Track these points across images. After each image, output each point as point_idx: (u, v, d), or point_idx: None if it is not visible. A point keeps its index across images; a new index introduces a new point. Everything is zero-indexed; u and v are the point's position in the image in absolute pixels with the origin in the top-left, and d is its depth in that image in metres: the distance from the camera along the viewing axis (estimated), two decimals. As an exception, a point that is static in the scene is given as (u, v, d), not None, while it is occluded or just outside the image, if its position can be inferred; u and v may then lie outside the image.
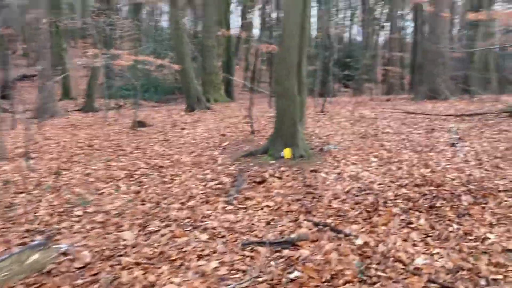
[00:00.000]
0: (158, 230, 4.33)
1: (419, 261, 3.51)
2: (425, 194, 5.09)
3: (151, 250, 3.86)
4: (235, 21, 37.22)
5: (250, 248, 3.83)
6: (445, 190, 5.18)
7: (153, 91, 28.27)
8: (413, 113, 11.26)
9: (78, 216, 4.77)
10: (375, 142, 8.01)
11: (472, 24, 20.37)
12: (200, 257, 3.73)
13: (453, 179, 5.59)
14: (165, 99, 28.79)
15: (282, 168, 6.27)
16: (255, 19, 32.77)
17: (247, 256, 3.68)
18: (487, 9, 22.56)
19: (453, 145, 7.59)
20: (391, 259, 3.55)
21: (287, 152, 6.82)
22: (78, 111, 21.30)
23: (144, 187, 5.77)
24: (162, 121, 12.63)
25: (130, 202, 5.16)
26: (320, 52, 24.57)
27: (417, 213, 4.56)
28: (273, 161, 6.71)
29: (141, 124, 11.40)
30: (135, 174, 6.36)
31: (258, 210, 4.83)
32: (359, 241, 3.88)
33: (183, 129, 10.53)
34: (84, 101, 21.96)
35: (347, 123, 10.09)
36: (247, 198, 5.19)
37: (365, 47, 32.34)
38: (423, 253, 3.68)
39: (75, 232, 4.32)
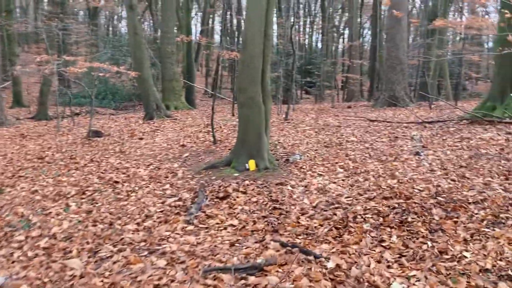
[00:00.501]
0: (111, 256, 3.90)
1: (396, 286, 3.25)
2: (394, 208, 4.88)
3: (101, 281, 3.43)
4: (197, 27, 36.78)
5: (212, 275, 3.47)
6: (414, 203, 4.98)
7: (111, 98, 27.45)
8: (375, 120, 11.20)
9: (19, 241, 4.27)
10: (340, 152, 7.81)
11: (428, 33, 20.82)
12: (157, 287, 3.34)
13: (422, 191, 5.42)
14: (123, 107, 27.99)
15: (247, 182, 5.94)
16: (216, 25, 32.46)
17: (209, 286, 3.32)
18: (442, 18, 23.16)
19: (417, 153, 7.48)
20: (366, 284, 3.28)
21: (251, 164, 6.50)
22: (30, 119, 20.32)
23: (97, 205, 5.30)
24: (119, 130, 12.06)
25: (80, 224, 4.69)
26: (282, 59, 24.55)
27: (389, 229, 4.33)
28: (236, 174, 6.37)
29: (97, 134, 10.82)
30: (87, 190, 5.87)
31: (221, 229, 4.48)
32: (330, 264, 3.59)
33: (141, 139, 10.04)
34: (37, 109, 21.01)
35: (312, 131, 9.88)
36: (209, 216, 4.82)
37: (325, 54, 32.64)
38: (399, 275, 3.43)
39: (14, 261, 3.83)
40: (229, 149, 8.13)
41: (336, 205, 5.05)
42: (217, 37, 39.37)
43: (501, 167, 6.31)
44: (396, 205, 4.93)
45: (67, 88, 25.92)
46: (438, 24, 15.94)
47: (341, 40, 40.22)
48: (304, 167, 6.74)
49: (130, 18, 14.08)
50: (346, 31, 42.27)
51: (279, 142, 8.66)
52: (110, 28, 46.46)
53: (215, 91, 9.22)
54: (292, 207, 5.04)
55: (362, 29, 31.75)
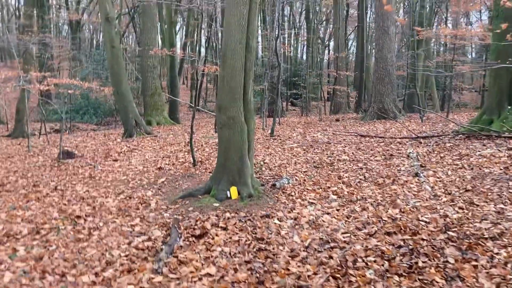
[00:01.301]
0: (54, 326, 3.07)
1: None
2: (400, 246, 4.13)
3: None
4: (183, 40, 36.10)
5: None
6: (422, 239, 4.23)
7: (93, 113, 26.56)
8: (367, 136, 10.50)
9: None
10: (332, 173, 7.07)
11: (414, 43, 20.36)
12: None
13: (428, 223, 4.67)
14: (105, 122, 27.06)
15: (228, 214, 5.14)
16: (202, 38, 31.79)
17: None
18: (427, 29, 22.77)
19: (416, 174, 6.76)
20: None
21: (233, 192, 5.71)
22: (6, 137, 19.33)
23: (51, 248, 4.45)
24: (95, 149, 11.19)
25: (24, 276, 3.84)
26: (267, 71, 23.91)
27: (397, 277, 3.57)
28: (216, 204, 5.57)
29: (69, 155, 9.95)
30: (42, 228, 5.00)
31: (196, 281, 3.67)
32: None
33: (115, 160, 9.19)
34: (13, 126, 20.05)
35: (300, 149, 9.13)
36: (182, 262, 4.01)
37: (311, 66, 32.10)
38: None
39: None
40: (210, 172, 7.34)
41: (332, 244, 4.27)
42: (203, 50, 38.70)
43: (511, 191, 5.62)
44: (402, 243, 4.18)
45: (47, 104, 25.00)
46: (424, 34, 15.51)
47: (326, 51, 39.83)
48: (292, 193, 5.97)
49: (106, 31, 13.27)
50: (331, 43, 42.10)
51: (264, 163, 7.89)
52: (94, 42, 45.57)
53: (194, 109, 8.19)
54: (281, 247, 4.25)
55: (346, 41, 31.27)
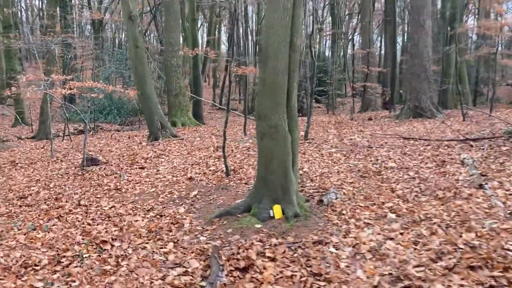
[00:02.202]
0: None
1: None
2: (492, 287, 3.37)
3: None
4: (203, 37, 35.55)
5: None
6: (517, 277, 3.46)
7: (116, 113, 26.15)
8: (410, 138, 9.64)
9: None
10: (382, 184, 6.29)
11: (447, 38, 19.36)
12: None
13: (516, 252, 3.89)
14: (129, 122, 26.65)
15: (274, 240, 4.42)
16: (223, 35, 31.15)
17: None
18: (460, 23, 21.65)
19: (480, 186, 5.94)
20: None
21: (277, 211, 5.00)
22: (31, 139, 19.05)
23: (73, 285, 3.80)
24: (120, 154, 10.61)
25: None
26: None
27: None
28: (259, 225, 4.86)
29: (93, 161, 9.38)
30: (64, 256, 4.37)
31: (247, 336, 2.98)
32: None
33: (142, 168, 8.57)
34: (37, 128, 19.77)
35: (340, 154, 8.35)
36: (228, 308, 3.32)
37: (336, 62, 31.12)
38: None
39: None
40: (245, 184, 6.64)
41: (406, 283, 3.52)
42: (223, 47, 38.03)
43: None
44: (494, 283, 3.41)
45: (71, 104, 24.71)
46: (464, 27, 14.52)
47: (349, 47, 38.71)
48: (343, 211, 5.22)
49: (130, 30, 12.69)
50: (355, 37, 40.91)
51: (304, 172, 7.14)
52: (116, 41, 45.40)
53: (227, 113, 7.46)
54: (344, 287, 3.52)
55: (373, 35, 30.15)
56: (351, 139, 10.01)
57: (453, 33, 21.22)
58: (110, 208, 5.94)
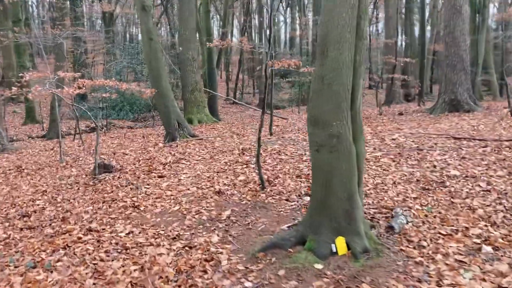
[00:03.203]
0: None
1: None
2: None
3: None
4: (213, 30, 34.36)
5: None
6: None
7: (129, 109, 25.18)
8: (462, 138, 8.41)
9: None
10: (455, 201, 5.10)
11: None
12: None
13: None
14: (141, 118, 25.70)
15: (346, 290, 3.30)
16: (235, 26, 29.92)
17: None
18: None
19: None
20: None
21: (340, 246, 3.86)
22: (42, 138, 18.13)
23: None
24: (135, 158, 9.54)
25: None
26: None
27: None
28: (319, 265, 3.73)
29: (106, 168, 8.31)
30: (70, 315, 3.29)
31: None
32: None
33: (161, 176, 7.47)
34: (48, 126, 18.84)
35: (387, 159, 7.16)
36: None
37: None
38: None
39: None
40: (286, 200, 5.51)
41: None
42: (234, 40, 36.65)
43: None
44: None
45: (83, 101, 23.74)
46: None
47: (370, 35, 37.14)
48: (423, 241, 4.06)
49: (143, 22, 11.55)
50: (372, 27, 39.27)
51: (353, 183, 5.98)
52: (127, 35, 44.38)
53: (261, 116, 6.25)
54: None
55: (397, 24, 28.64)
56: (393, 139, 8.81)
57: (483, 20, 19.85)
58: (128, 234, 4.84)
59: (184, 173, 7.52)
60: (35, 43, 13.99)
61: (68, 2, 20.80)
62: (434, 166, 6.58)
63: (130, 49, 29.70)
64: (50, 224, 5.45)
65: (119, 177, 7.72)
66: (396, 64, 17.40)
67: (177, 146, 10.66)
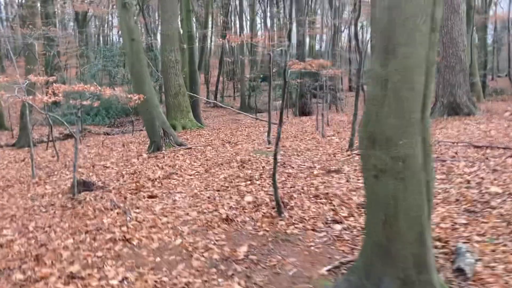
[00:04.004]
0: None
1: None
2: None
3: None
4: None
5: None
6: None
7: (105, 114, 23.86)
8: (483, 146, 7.61)
9: None
10: (510, 226, 4.24)
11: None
12: None
13: None
14: (118, 123, 24.42)
15: None
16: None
17: None
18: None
19: None
20: None
21: (414, 304, 2.90)
22: (11, 147, 16.68)
23: None
24: (118, 172, 8.42)
25: None
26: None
27: None
28: (390, 334, 2.77)
29: (86, 186, 7.17)
30: None
31: None
32: None
33: (152, 197, 6.38)
34: (18, 134, 17.42)
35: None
36: None
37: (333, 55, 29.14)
38: None
39: None
40: (313, 230, 4.53)
41: None
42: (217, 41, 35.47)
43: None
44: None
45: (54, 106, 22.24)
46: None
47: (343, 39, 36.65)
48: (505, 291, 3.15)
49: (124, 20, 10.40)
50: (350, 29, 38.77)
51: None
52: (101, 38, 42.71)
53: (278, 127, 5.23)
54: None
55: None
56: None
57: (469, 20, 19.36)
58: (121, 281, 3.76)
59: (178, 192, 6.46)
60: (3, 44, 12.63)
61: (39, 2, 19.35)
62: (468, 182, 5.73)
63: (106, 52, 28.31)
64: (20, 267, 4.31)
65: (102, 198, 6.59)
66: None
67: (163, 157, 9.57)
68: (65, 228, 5.44)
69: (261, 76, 28.88)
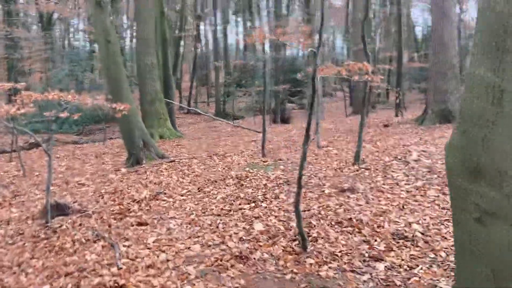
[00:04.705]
0: None
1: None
2: None
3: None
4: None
5: None
6: None
7: (72, 121, 22.36)
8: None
9: None
10: None
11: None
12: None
13: None
14: (88, 130, 23.03)
15: None
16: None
17: None
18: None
19: None
20: None
21: None
22: (-31, 159, 15.16)
23: None
24: (96, 191, 7.39)
25: None
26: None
27: None
28: None
29: (60, 209, 6.13)
30: None
31: None
32: None
33: (141, 224, 5.43)
34: (-23, 145, 15.90)
35: (435, 191, 5.57)
36: None
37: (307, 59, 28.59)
38: None
39: None
40: (351, 272, 3.72)
41: None
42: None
43: None
44: None
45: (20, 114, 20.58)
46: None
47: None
48: None
49: (99, 20, 9.37)
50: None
51: (414, 236, 4.31)
52: (66, 42, 40.82)
53: (304, 147, 4.36)
54: None
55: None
56: (416, 160, 7.27)
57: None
58: None
59: (171, 218, 5.53)
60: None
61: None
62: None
63: (73, 56, 26.89)
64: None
65: (81, 225, 5.59)
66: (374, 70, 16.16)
67: (145, 172, 8.58)
68: (38, 268, 4.44)
69: (236, 80, 28.07)
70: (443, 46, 12.12)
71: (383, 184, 6.04)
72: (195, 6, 30.10)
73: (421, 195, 5.46)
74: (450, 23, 12.15)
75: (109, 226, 5.44)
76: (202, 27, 30.02)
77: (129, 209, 6.05)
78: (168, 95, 17.20)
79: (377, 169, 6.85)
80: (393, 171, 6.66)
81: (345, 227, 4.59)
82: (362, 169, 6.95)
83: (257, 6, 34.91)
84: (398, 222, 4.58)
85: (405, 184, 5.97)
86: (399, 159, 7.54)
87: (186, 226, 5.15)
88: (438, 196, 5.39)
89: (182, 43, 27.06)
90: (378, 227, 4.51)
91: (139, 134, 9.58)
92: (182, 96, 29.85)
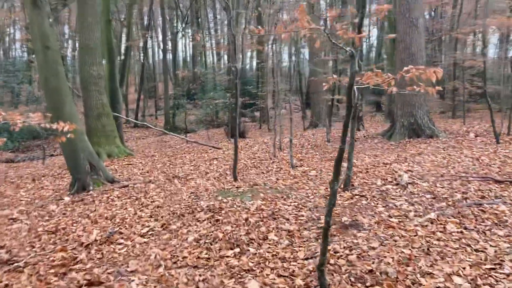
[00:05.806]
0: None
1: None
2: None
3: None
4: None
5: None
6: None
7: (7, 137, 19.98)
8: (505, 181, 6.21)
9: None
10: None
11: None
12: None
13: None
14: (24, 147, 20.78)
15: None
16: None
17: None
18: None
19: None
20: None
21: None
22: None
23: None
24: (30, 229, 5.84)
25: None
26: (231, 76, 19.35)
27: None
28: None
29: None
30: None
31: None
32: None
33: (92, 284, 4.02)
34: None
35: (455, 225, 4.60)
36: None
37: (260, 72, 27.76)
38: None
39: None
40: None
41: None
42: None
43: None
44: None
45: None
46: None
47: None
48: None
49: (36, 23, 7.80)
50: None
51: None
52: (1, 51, 37.56)
53: (335, 186, 3.21)
54: None
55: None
56: (411, 183, 6.33)
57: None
58: None
59: (133, 272, 4.16)
60: None
61: None
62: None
63: (8, 66, 24.47)
64: None
65: (7, 286, 4.09)
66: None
67: (93, 201, 7.10)
68: None
69: (188, 92, 26.63)
70: (411, 56, 11.53)
71: (389, 216, 5.00)
72: (142, 16, 28.49)
73: (441, 232, 4.45)
74: (418, 33, 11.59)
75: (49, 285, 3.99)
76: (149, 38, 28.37)
77: (75, 258, 4.60)
78: (115, 109, 15.52)
79: (374, 197, 5.83)
80: (392, 199, 5.66)
81: (370, 285, 3.46)
82: (357, 196, 5.90)
83: (206, 16, 33.73)
84: (434, 275, 3.52)
85: (415, 215, 4.97)
86: (390, 182, 6.58)
87: (155, 287, 3.82)
88: (461, 232, 4.41)
89: (129, 54, 25.34)
90: (413, 283, 3.42)
91: (85, 155, 8.04)
92: (129, 109, 27.97)
